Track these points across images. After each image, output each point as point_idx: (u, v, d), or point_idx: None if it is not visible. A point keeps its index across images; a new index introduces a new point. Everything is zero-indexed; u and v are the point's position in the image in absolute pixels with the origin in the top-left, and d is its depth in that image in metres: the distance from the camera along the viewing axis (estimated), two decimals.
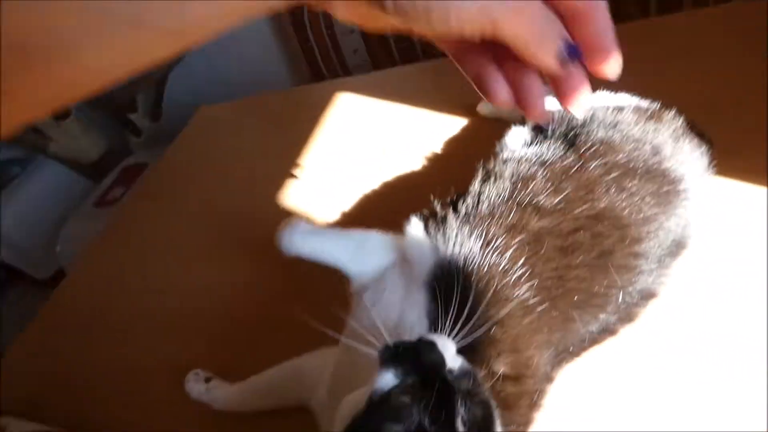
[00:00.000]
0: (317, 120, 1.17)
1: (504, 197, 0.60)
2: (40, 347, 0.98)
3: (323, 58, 1.76)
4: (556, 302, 0.55)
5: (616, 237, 0.55)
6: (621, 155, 0.60)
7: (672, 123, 0.67)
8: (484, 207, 0.61)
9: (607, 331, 0.59)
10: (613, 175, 0.59)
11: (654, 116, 0.68)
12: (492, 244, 0.57)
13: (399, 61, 1.73)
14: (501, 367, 0.52)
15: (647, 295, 0.59)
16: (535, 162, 0.62)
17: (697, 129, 0.70)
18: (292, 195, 1.03)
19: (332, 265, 0.63)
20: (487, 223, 0.59)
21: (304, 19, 1.75)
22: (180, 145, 1.33)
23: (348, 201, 0.94)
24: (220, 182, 1.18)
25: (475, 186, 0.64)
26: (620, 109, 0.68)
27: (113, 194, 1.78)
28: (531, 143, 0.69)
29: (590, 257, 0.55)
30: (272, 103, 1.36)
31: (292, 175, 1.06)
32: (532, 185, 0.59)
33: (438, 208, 0.65)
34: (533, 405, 0.54)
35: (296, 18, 1.77)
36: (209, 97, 1.52)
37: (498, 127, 0.94)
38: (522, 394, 0.53)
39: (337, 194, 0.96)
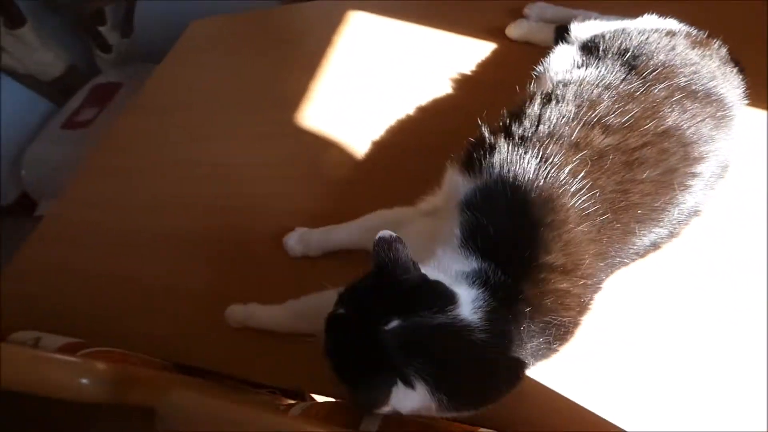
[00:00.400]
0: (327, 39, 1.11)
1: (568, 118, 0.61)
2: (41, 265, 0.95)
3: None
4: (618, 214, 0.57)
5: (680, 155, 0.58)
6: (682, 78, 0.62)
7: (719, 51, 0.69)
8: (543, 128, 0.62)
9: (655, 245, 0.62)
10: (677, 97, 0.60)
11: (703, 43, 0.69)
12: (549, 161, 0.58)
13: None
14: (552, 260, 0.55)
15: (693, 213, 0.63)
16: (598, 85, 0.63)
17: (734, 58, 0.72)
18: (310, 118, 0.99)
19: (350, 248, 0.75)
20: (545, 143, 0.60)
21: None
22: (173, 61, 1.24)
23: (377, 127, 0.92)
24: (219, 102, 1.11)
25: (534, 109, 0.64)
26: (672, 34, 0.69)
27: (84, 115, 1.65)
28: (583, 65, 0.69)
29: (656, 173, 0.57)
30: (271, 20, 1.27)
31: None
32: (598, 108, 0.60)
33: (486, 134, 0.65)
34: (583, 308, 0.58)
35: None
36: (186, 15, 1.38)
37: (526, 51, 0.94)
38: (570, 292, 0.56)
39: (360, 119, 0.94)
